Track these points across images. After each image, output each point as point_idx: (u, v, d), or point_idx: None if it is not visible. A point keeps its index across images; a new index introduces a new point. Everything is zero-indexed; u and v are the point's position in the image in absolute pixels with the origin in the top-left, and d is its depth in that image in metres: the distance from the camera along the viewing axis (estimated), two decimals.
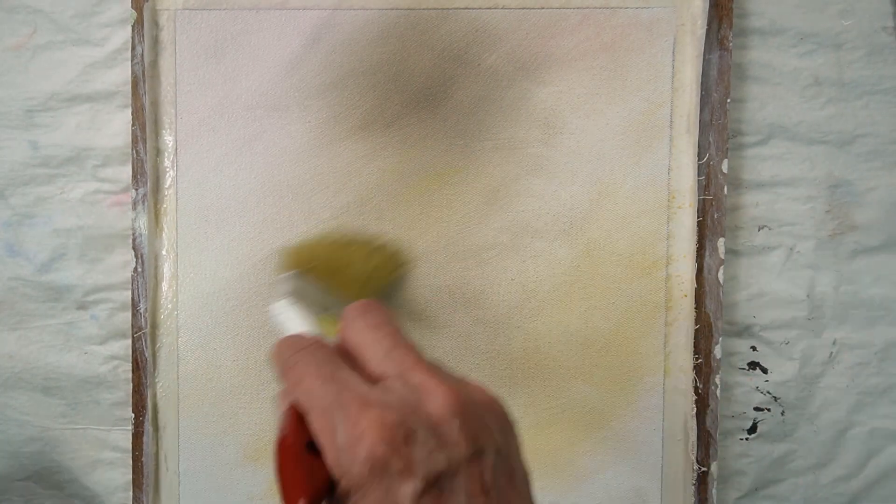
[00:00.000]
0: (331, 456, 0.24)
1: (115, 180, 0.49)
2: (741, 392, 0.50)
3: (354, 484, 0.23)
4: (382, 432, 0.23)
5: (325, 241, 0.47)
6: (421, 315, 0.48)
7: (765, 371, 0.50)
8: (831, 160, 0.48)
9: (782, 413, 0.50)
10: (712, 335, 0.47)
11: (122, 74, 0.48)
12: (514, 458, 0.26)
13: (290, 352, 0.27)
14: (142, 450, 0.48)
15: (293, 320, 0.35)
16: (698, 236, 0.47)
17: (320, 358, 0.26)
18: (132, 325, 0.48)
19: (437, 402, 0.24)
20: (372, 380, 0.26)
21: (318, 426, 0.25)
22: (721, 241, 0.47)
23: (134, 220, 0.48)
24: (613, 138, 0.47)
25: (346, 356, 0.27)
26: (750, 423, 0.50)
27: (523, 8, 0.47)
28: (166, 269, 0.48)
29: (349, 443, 0.23)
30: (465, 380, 0.26)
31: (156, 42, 0.47)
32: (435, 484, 0.23)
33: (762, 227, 0.49)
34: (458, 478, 0.23)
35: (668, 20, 0.47)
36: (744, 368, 0.50)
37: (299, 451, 0.25)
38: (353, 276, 0.45)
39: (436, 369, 0.26)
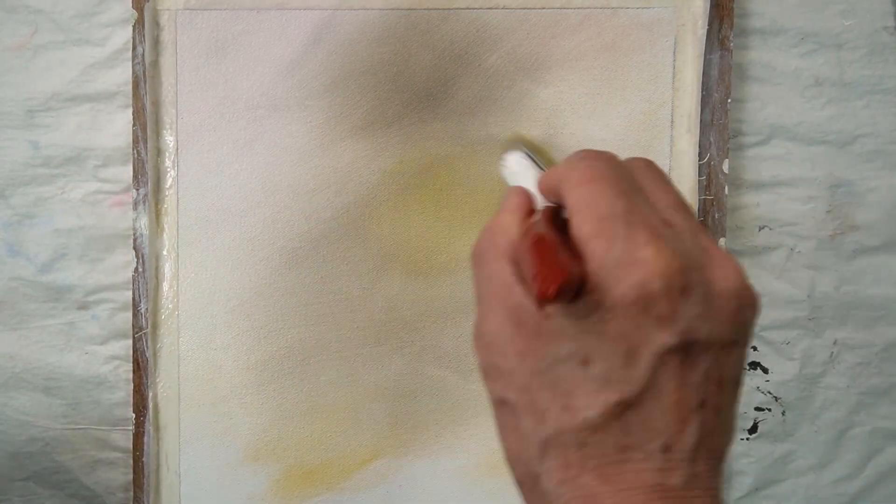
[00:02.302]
0: (595, 264, 0.22)
1: (116, 180, 0.49)
2: (742, 392, 0.50)
3: (610, 303, 0.22)
4: (665, 269, 0.21)
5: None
6: (422, 315, 0.48)
7: (765, 371, 0.50)
8: (832, 160, 0.48)
9: (783, 413, 0.50)
10: None
11: (122, 74, 0.48)
12: (739, 367, 0.24)
13: (590, 155, 0.26)
14: (142, 450, 0.48)
15: (526, 169, 0.33)
16: None
17: (619, 173, 0.24)
18: (133, 325, 0.48)
19: (724, 274, 0.22)
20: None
21: (590, 230, 0.23)
22: (722, 241, 0.47)
23: (135, 220, 0.48)
24: (614, 138, 0.47)
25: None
26: (751, 423, 0.50)
27: (524, 8, 0.47)
28: (167, 270, 0.48)
29: (625, 262, 0.22)
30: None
31: (157, 42, 0.47)
32: (685, 348, 0.21)
33: (763, 228, 0.49)
34: (707, 356, 0.22)
35: (668, 20, 0.47)
36: (745, 368, 0.50)
37: (558, 244, 0.23)
38: None
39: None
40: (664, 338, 0.21)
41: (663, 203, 0.24)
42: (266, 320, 0.48)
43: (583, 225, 0.23)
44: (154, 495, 0.48)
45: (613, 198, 0.23)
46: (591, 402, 0.22)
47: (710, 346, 0.22)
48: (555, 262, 0.22)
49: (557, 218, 0.25)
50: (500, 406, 0.25)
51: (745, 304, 0.23)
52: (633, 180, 0.24)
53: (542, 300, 0.21)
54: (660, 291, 0.21)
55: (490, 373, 0.25)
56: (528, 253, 0.23)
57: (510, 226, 0.26)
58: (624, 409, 0.21)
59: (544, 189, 0.28)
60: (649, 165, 0.26)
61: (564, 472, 0.22)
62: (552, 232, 0.24)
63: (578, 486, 0.22)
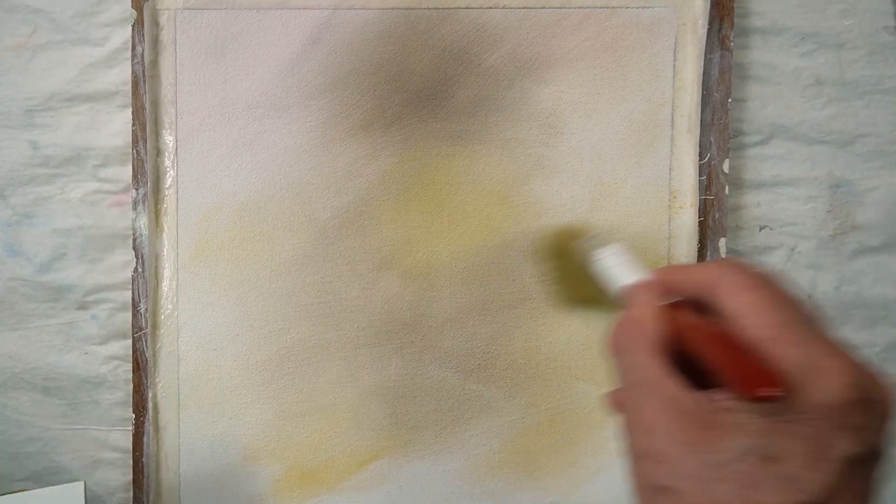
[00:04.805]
0: (781, 366, 0.23)
1: (116, 180, 0.49)
2: None
3: (802, 406, 0.22)
4: (858, 380, 0.22)
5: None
6: (422, 315, 0.48)
7: None
8: (832, 160, 0.48)
9: None
10: None
11: (122, 74, 0.48)
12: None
13: (741, 264, 0.27)
14: (142, 450, 0.48)
15: (633, 264, 0.34)
16: (699, 236, 0.47)
17: (775, 284, 0.26)
18: (132, 325, 0.48)
19: (885, 387, 0.24)
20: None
21: (769, 334, 0.24)
22: (722, 241, 0.47)
23: (134, 220, 0.47)
24: (614, 138, 0.47)
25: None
26: None
27: (524, 7, 0.46)
28: (166, 269, 0.48)
29: (816, 368, 0.23)
30: None
31: (156, 42, 0.47)
32: (866, 458, 0.23)
33: (763, 227, 0.49)
34: (874, 466, 0.23)
35: (669, 20, 0.47)
36: None
37: (747, 345, 0.24)
38: None
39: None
40: (854, 446, 0.22)
41: (812, 318, 0.25)
42: (266, 320, 0.48)
43: (760, 328, 0.24)
44: (154, 495, 0.48)
45: (783, 306, 0.25)
46: (777, 500, 0.22)
47: (880, 458, 0.23)
48: (759, 363, 0.23)
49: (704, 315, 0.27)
50: (659, 493, 0.25)
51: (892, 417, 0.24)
52: (782, 290, 0.26)
53: (763, 399, 0.22)
54: (850, 400, 0.22)
55: (647, 459, 0.25)
56: (726, 351, 0.24)
57: (651, 319, 0.27)
58: None
59: (679, 287, 0.29)
60: (780, 280, 0.27)
61: None
62: (731, 331, 0.25)
63: None
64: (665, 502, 0.25)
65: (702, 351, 0.25)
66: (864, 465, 0.23)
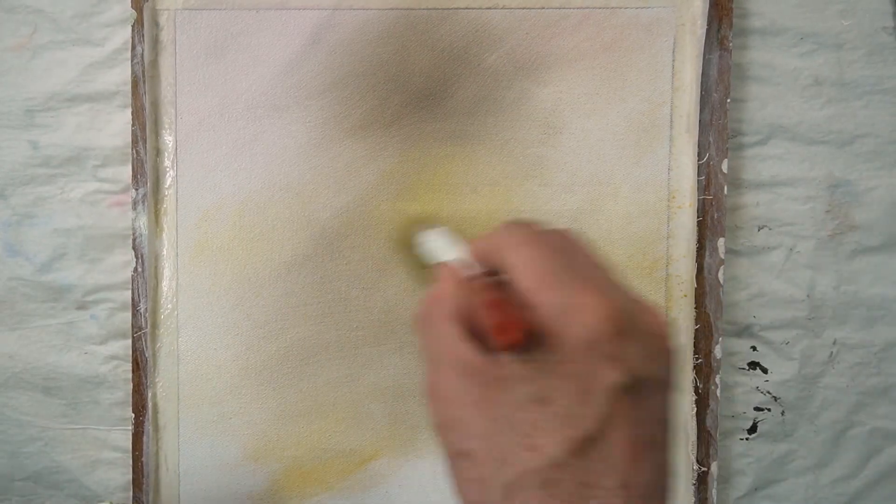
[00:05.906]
0: (543, 311, 0.24)
1: (116, 180, 0.49)
2: (741, 392, 0.50)
3: (562, 345, 0.23)
4: (608, 312, 0.23)
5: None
6: None
7: (765, 371, 0.50)
8: (831, 160, 0.48)
9: (782, 413, 0.50)
10: (712, 335, 0.47)
11: (122, 74, 0.48)
12: (672, 411, 0.26)
13: (519, 222, 0.28)
14: (142, 450, 0.48)
15: (451, 243, 0.35)
16: (698, 236, 0.47)
17: (548, 237, 0.27)
18: (132, 324, 0.48)
19: (656, 320, 0.24)
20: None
21: (535, 283, 0.25)
22: (721, 241, 0.47)
23: (134, 219, 0.48)
24: (613, 138, 0.47)
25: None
26: (750, 423, 0.50)
27: (523, 8, 0.47)
28: (166, 269, 0.48)
29: (571, 308, 0.23)
30: None
31: (156, 42, 0.47)
32: (634, 386, 0.23)
33: (762, 227, 0.49)
34: (653, 395, 0.23)
35: (668, 20, 0.47)
36: (744, 368, 0.50)
37: (509, 299, 0.25)
38: None
39: None
40: (614, 375, 0.22)
41: (587, 264, 0.26)
42: (266, 320, 0.48)
43: (527, 279, 0.25)
44: (153, 495, 0.48)
45: (550, 255, 0.25)
46: (554, 440, 0.22)
47: (656, 385, 0.23)
48: (513, 315, 0.24)
49: (495, 280, 0.27)
50: (459, 458, 0.25)
51: (674, 350, 0.25)
52: (559, 243, 0.27)
53: (509, 347, 0.23)
54: (606, 332, 0.23)
55: (447, 425, 0.26)
56: (487, 309, 0.25)
57: (451, 292, 0.28)
58: (584, 444, 0.22)
59: (479, 255, 0.29)
60: (566, 235, 0.28)
61: None
62: (500, 290, 0.26)
63: None
64: (463, 466, 0.25)
65: (480, 313, 0.26)
66: (638, 394, 0.23)
